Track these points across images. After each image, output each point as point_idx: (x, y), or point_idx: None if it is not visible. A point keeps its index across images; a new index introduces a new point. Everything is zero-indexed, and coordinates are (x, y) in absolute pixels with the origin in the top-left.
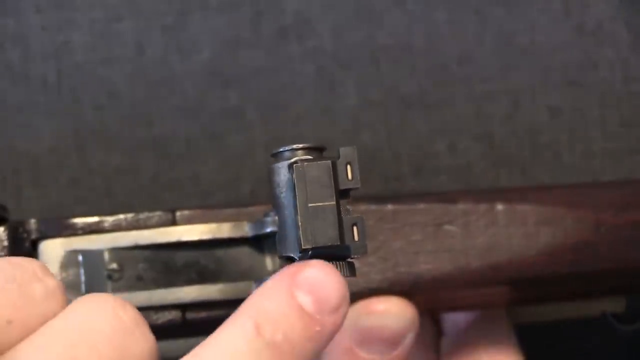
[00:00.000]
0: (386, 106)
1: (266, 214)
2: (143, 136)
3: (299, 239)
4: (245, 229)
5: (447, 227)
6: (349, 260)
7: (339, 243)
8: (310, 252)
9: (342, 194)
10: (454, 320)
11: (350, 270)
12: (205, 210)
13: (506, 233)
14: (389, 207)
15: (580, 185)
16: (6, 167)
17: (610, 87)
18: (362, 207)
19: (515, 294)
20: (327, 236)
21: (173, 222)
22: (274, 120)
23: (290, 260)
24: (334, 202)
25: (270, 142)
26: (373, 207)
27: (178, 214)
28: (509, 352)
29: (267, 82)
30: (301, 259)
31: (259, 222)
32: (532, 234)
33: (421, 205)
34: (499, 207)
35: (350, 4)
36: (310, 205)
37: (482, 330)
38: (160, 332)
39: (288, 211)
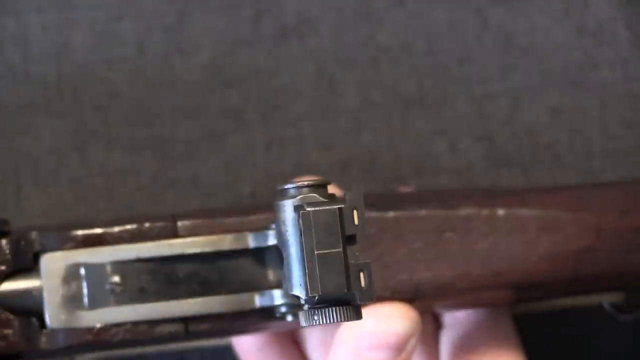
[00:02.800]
0: (386, 106)
1: (268, 227)
2: (143, 136)
3: (306, 285)
4: (248, 241)
5: (448, 234)
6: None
7: (346, 291)
8: (317, 298)
9: (349, 240)
10: (453, 314)
11: (356, 314)
12: (207, 219)
13: (507, 239)
14: (390, 214)
15: (581, 188)
16: (6, 167)
17: (611, 87)
18: None
19: (515, 297)
20: (334, 284)
21: (175, 233)
22: (274, 120)
23: (296, 297)
24: (341, 249)
25: (271, 142)
26: (374, 214)
27: (180, 224)
28: (510, 347)
29: (267, 82)
30: (307, 302)
31: (261, 234)
32: (533, 240)
33: (422, 212)
34: (500, 212)
35: (350, 4)
36: (317, 252)
37: (482, 326)
38: (163, 343)
39: (294, 249)
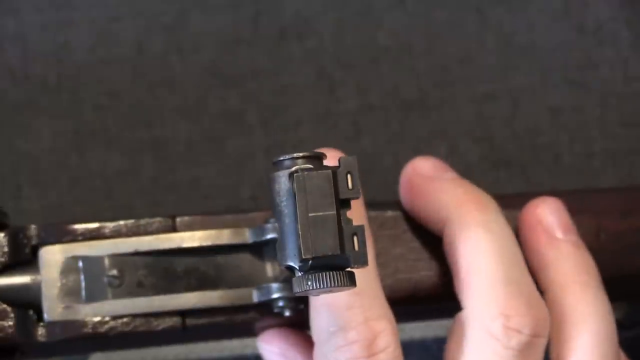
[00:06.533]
0: (386, 109)
1: (266, 221)
2: (143, 137)
3: (299, 248)
4: (246, 236)
5: None
6: (348, 270)
7: (339, 252)
8: (310, 262)
9: (343, 204)
10: None
11: (350, 280)
12: (205, 216)
13: None
14: (389, 213)
15: (581, 190)
16: (6, 167)
17: (611, 87)
18: None
19: None
20: (328, 246)
21: (173, 229)
22: (274, 124)
23: (290, 269)
24: (335, 212)
25: (271, 146)
26: (373, 213)
27: (178, 220)
28: None
29: (267, 82)
30: (301, 268)
31: (259, 229)
32: None
33: None
34: None
35: (350, 4)
36: (310, 214)
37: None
38: (161, 338)
39: (288, 220)
